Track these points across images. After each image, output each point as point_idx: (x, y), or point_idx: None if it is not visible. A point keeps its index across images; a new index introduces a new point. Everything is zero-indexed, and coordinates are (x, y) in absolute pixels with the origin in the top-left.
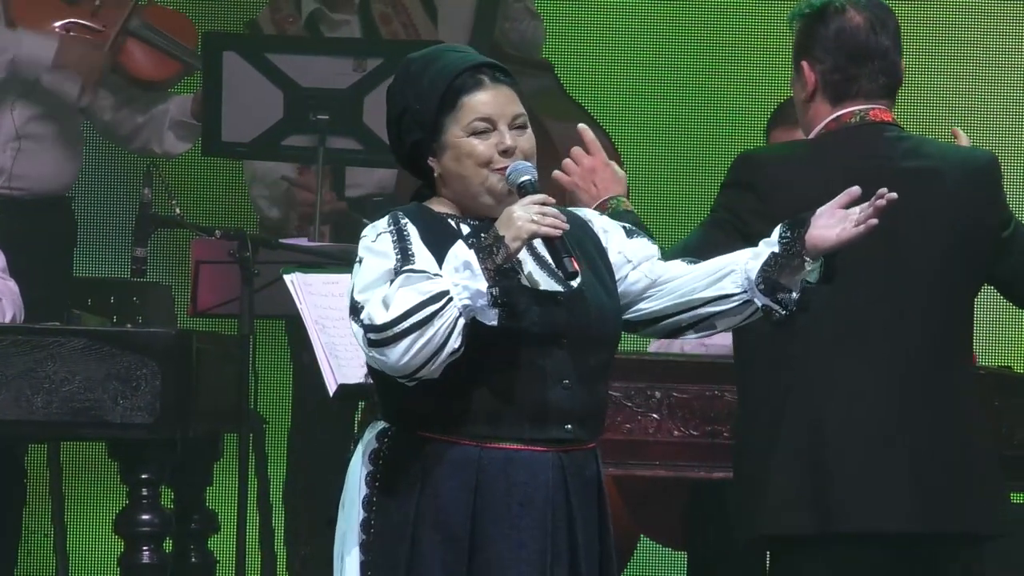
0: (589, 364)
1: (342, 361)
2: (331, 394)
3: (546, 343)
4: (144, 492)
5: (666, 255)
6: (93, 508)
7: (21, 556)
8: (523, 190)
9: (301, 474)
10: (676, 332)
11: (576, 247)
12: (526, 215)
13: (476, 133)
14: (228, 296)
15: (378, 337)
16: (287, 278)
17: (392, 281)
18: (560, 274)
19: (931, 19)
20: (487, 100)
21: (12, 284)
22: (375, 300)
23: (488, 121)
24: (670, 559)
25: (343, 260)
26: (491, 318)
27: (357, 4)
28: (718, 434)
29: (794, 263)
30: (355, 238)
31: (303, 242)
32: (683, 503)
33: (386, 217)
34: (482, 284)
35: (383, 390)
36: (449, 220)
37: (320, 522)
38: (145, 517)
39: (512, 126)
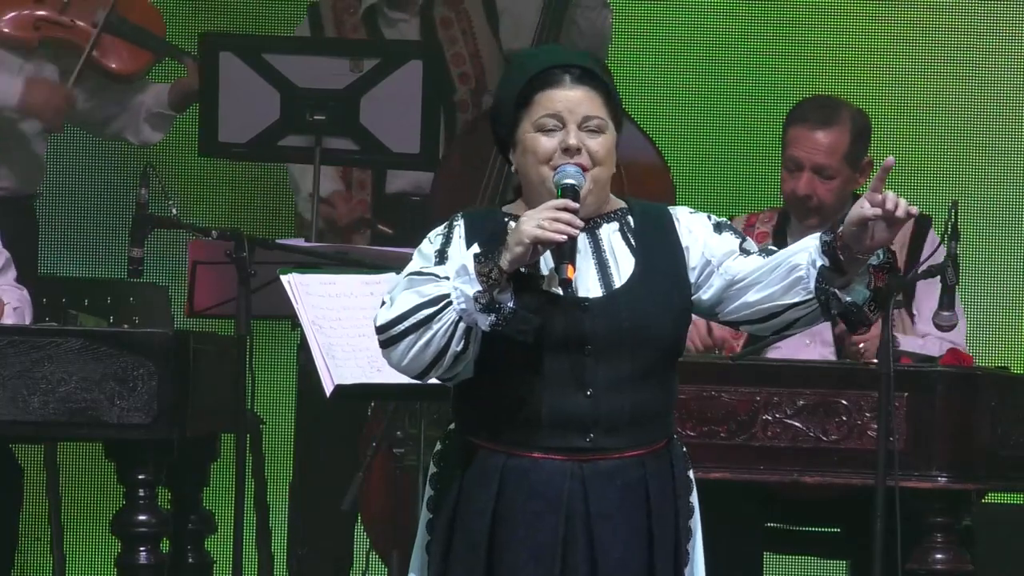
0: (622, 371)
1: (339, 361)
2: (327, 394)
3: (568, 351)
4: (141, 492)
5: None
6: (90, 508)
7: (18, 556)
8: (564, 193)
9: (303, 473)
10: (760, 336)
11: (641, 246)
12: (535, 219)
13: (543, 130)
14: (225, 296)
15: (381, 338)
16: (284, 279)
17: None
18: (601, 281)
19: (926, 14)
20: (559, 97)
21: (25, 292)
22: (387, 301)
23: (557, 118)
24: None
25: (339, 261)
26: (484, 323)
27: (420, 5)
28: (715, 434)
29: (842, 267)
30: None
31: (300, 242)
32: None
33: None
34: (474, 288)
35: (452, 391)
36: (512, 223)
37: (319, 521)
38: (142, 517)
39: (583, 127)
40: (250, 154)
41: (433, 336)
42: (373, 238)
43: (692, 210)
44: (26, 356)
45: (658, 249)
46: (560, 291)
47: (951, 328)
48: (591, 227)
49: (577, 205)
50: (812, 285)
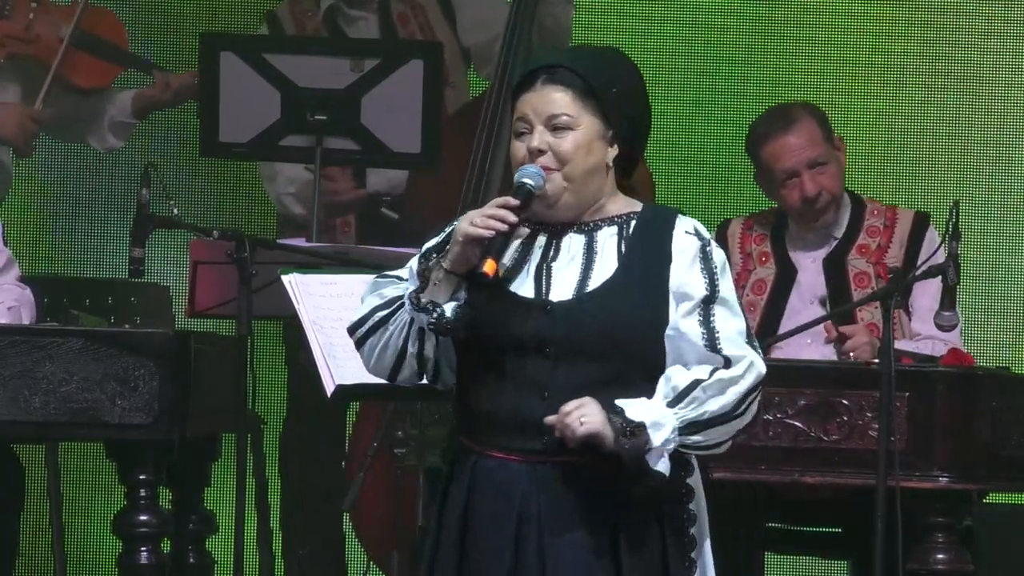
0: (587, 376)
1: (339, 362)
2: (328, 395)
3: (526, 353)
4: (142, 493)
5: None
6: (91, 508)
7: (19, 556)
8: (517, 191)
9: (296, 474)
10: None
11: (629, 252)
12: (470, 217)
13: (518, 135)
14: (226, 297)
15: (352, 340)
16: (285, 279)
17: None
18: (577, 285)
19: (924, 15)
20: (527, 100)
21: (28, 292)
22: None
23: (525, 122)
24: None
25: (340, 261)
26: (424, 323)
27: (378, 2)
28: None
29: None
30: (382, 229)
31: (301, 242)
32: None
33: None
34: (413, 288)
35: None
36: (524, 226)
37: (317, 522)
38: (143, 518)
39: (549, 126)
40: (251, 154)
41: (390, 338)
42: (358, 230)
43: (691, 230)
44: (27, 356)
45: (646, 256)
46: (531, 294)
47: (952, 328)
48: (589, 230)
49: (516, 202)
50: None
